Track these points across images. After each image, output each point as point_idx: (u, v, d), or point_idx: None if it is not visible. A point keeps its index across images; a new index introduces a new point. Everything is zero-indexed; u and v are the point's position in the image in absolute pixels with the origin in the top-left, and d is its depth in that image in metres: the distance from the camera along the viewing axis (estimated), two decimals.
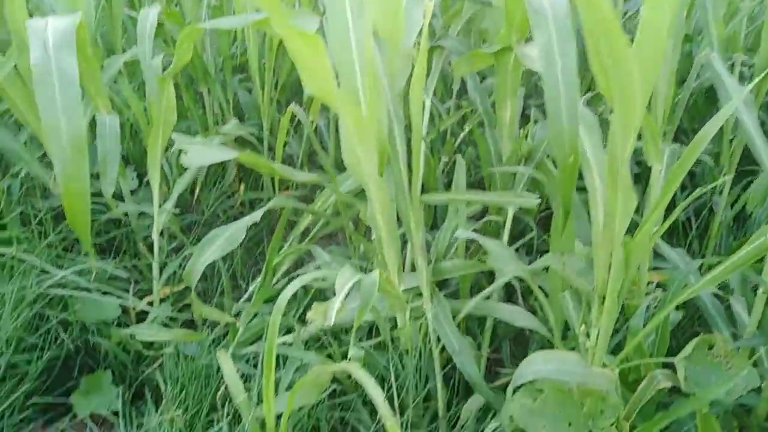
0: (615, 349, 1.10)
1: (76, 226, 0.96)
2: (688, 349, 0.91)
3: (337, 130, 2.00)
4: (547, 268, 1.14)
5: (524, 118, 1.57)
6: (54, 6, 1.40)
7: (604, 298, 0.97)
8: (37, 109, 1.40)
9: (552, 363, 0.84)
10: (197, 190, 1.76)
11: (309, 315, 0.81)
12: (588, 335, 1.02)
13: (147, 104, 1.44)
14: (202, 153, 0.96)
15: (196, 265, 1.07)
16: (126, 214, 1.56)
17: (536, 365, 0.84)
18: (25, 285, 1.26)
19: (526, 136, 1.41)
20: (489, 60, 1.30)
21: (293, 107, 1.49)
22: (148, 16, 1.32)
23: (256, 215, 1.13)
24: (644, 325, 1.01)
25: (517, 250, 1.38)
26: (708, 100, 1.96)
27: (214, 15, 1.87)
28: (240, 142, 1.89)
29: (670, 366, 0.97)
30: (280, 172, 1.04)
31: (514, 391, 0.86)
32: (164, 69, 1.33)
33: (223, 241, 1.08)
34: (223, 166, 1.93)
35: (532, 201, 1.10)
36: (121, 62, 1.49)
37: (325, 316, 0.79)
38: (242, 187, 1.93)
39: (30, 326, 1.25)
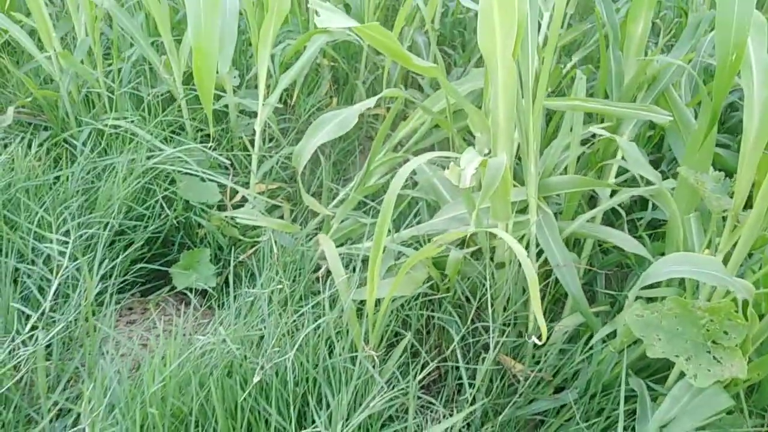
0: None
1: (202, 83, 0.97)
2: None
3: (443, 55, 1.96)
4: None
5: None
6: None
7: (737, 221, 0.90)
8: None
9: (690, 264, 0.78)
10: (294, 96, 1.75)
11: (446, 173, 0.79)
12: None
13: None
14: (334, 16, 0.94)
15: (307, 145, 1.07)
16: (227, 107, 1.58)
17: (672, 265, 0.78)
18: (135, 158, 1.30)
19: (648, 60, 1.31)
20: None
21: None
22: None
23: (370, 101, 1.11)
24: None
25: (621, 183, 1.31)
26: None
27: None
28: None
29: None
30: (403, 53, 1.00)
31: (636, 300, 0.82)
32: None
33: (335, 124, 1.07)
34: (317, 76, 1.92)
35: (664, 116, 1.02)
36: None
37: (459, 177, 0.77)
38: (335, 101, 1.92)
39: (138, 198, 1.30)
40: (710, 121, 0.83)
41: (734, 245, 0.90)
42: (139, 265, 1.25)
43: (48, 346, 0.94)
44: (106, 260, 1.11)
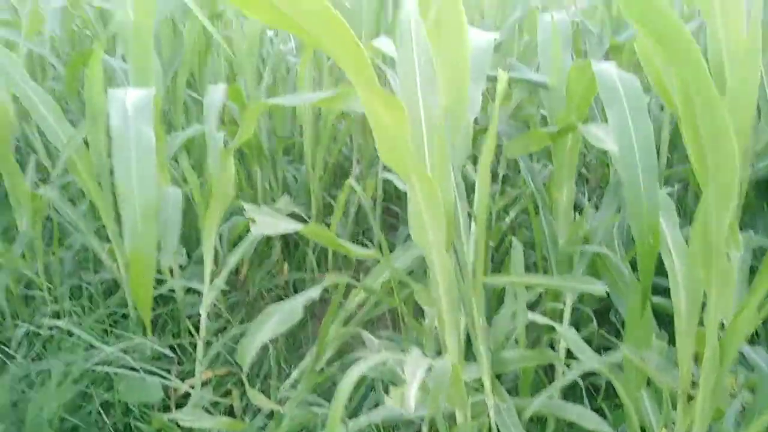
0: None
1: (138, 294, 0.96)
2: None
3: (383, 212, 2.03)
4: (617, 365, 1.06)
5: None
6: (128, 81, 1.49)
7: (689, 397, 0.89)
8: (99, 181, 1.46)
9: None
10: (243, 269, 1.75)
11: (386, 399, 0.76)
12: None
13: (207, 178, 1.47)
14: (271, 223, 0.96)
15: (251, 343, 1.04)
16: (173, 290, 1.55)
17: None
18: (72, 360, 1.23)
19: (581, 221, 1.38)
20: (545, 141, 1.30)
21: (351, 182, 1.50)
22: (216, 92, 1.38)
23: (313, 292, 1.10)
24: None
25: None
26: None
27: (269, 95, 1.95)
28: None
29: None
30: (342, 245, 1.03)
31: None
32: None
33: (279, 319, 1.05)
34: (269, 245, 1.94)
35: (599, 288, 1.04)
36: (184, 138, 1.55)
37: (402, 400, 0.74)
38: (286, 267, 1.92)
39: (73, 405, 1.21)
40: (642, 301, 0.85)
41: (692, 420, 0.88)
42: None
43: None
44: None
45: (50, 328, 1.33)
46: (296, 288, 1.87)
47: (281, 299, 1.83)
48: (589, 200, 1.78)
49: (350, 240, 1.93)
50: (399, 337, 1.46)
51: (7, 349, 1.33)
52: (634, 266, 1.32)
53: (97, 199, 1.48)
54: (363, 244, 1.97)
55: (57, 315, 1.44)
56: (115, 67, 1.61)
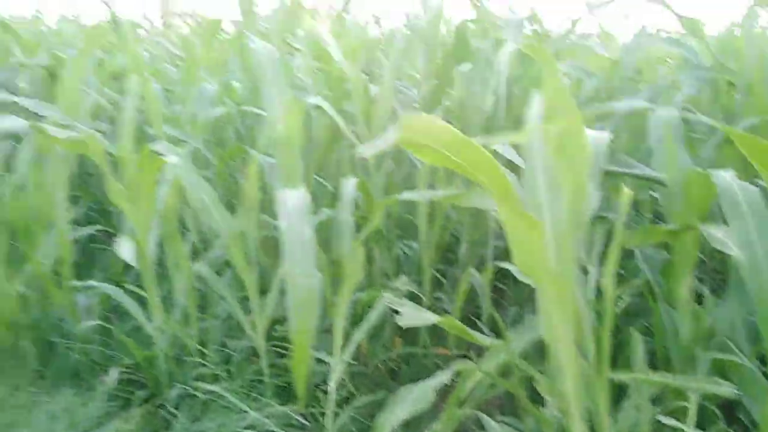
0: None
1: (299, 368, 1.10)
2: None
3: (493, 290, 2.11)
4: None
5: None
6: (275, 178, 1.72)
7: None
8: (250, 258, 1.68)
9: None
10: (364, 343, 1.88)
11: None
12: None
13: (336, 260, 1.65)
14: (415, 315, 1.09)
15: (389, 421, 1.15)
16: None
17: None
18: (224, 423, 1.40)
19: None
20: (664, 236, 1.35)
21: (473, 272, 1.62)
22: (349, 186, 1.58)
23: (444, 377, 1.20)
24: None
25: None
26: None
27: (389, 188, 2.13)
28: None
29: None
30: (471, 335, 1.14)
31: None
32: None
33: (412, 401, 1.16)
34: (383, 319, 2.07)
35: (727, 390, 1.06)
36: (316, 221, 1.75)
37: None
38: (399, 341, 2.03)
39: None
40: None
41: None
42: None
43: None
44: None
45: (204, 392, 1.52)
46: (408, 362, 1.97)
47: (394, 371, 1.95)
48: (707, 286, 1.76)
49: (460, 316, 2.02)
50: (514, 419, 1.51)
51: (169, 408, 1.54)
52: (762, 360, 1.31)
53: (245, 276, 1.70)
54: (471, 320, 2.05)
55: (204, 378, 1.64)
56: (261, 162, 1.86)
